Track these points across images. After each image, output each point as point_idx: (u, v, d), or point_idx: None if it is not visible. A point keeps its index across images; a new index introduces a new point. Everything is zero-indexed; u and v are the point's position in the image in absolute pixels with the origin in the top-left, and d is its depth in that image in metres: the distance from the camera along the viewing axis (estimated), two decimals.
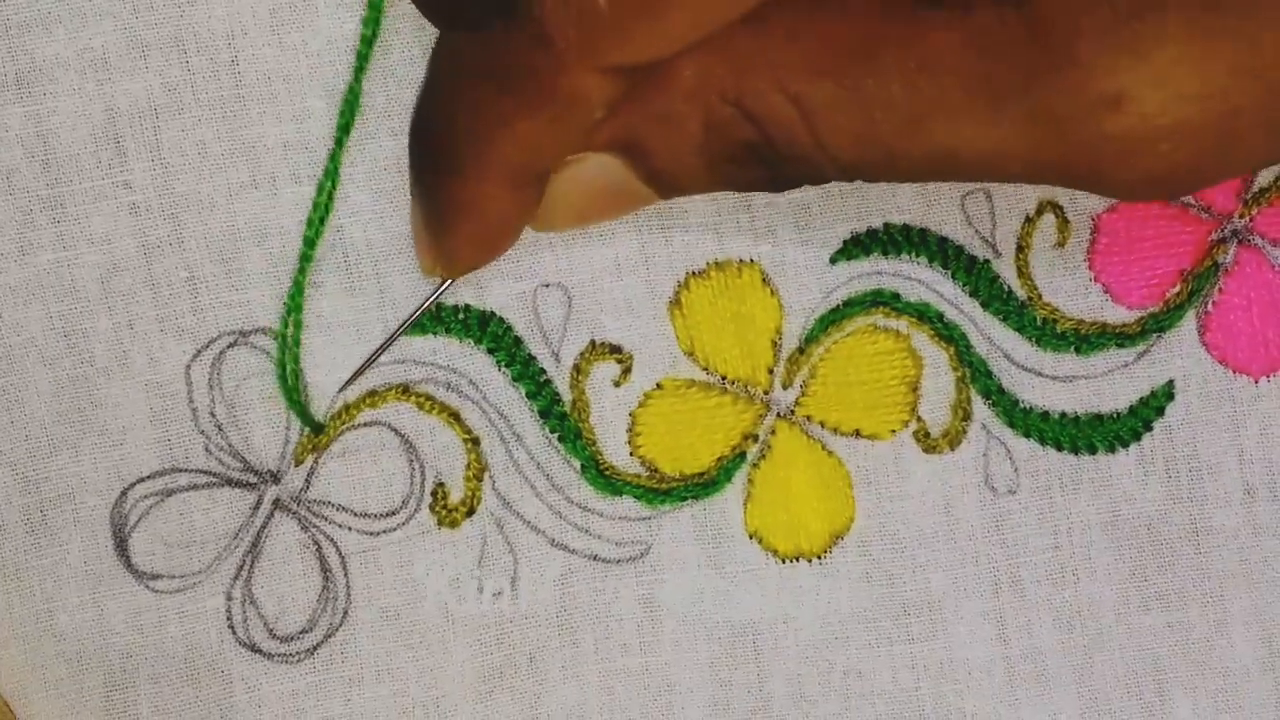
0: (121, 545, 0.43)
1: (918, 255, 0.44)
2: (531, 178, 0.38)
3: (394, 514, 0.44)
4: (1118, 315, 0.45)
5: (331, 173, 0.42)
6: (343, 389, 0.43)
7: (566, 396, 0.44)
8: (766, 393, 0.44)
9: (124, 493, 0.43)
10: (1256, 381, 0.45)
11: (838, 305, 0.44)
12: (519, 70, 0.35)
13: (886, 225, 0.44)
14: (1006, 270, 0.44)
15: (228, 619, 0.44)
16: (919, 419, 0.44)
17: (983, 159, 0.36)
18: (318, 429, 0.43)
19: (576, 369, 0.44)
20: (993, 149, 0.35)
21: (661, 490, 0.44)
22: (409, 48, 0.42)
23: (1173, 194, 0.39)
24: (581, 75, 0.35)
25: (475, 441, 0.44)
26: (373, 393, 0.43)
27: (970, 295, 0.44)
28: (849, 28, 0.35)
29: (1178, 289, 0.45)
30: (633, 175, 0.38)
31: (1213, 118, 0.34)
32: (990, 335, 0.44)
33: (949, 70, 0.35)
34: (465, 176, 0.37)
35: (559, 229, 0.41)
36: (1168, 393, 0.45)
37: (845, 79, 0.35)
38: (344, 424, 0.43)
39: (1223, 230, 0.45)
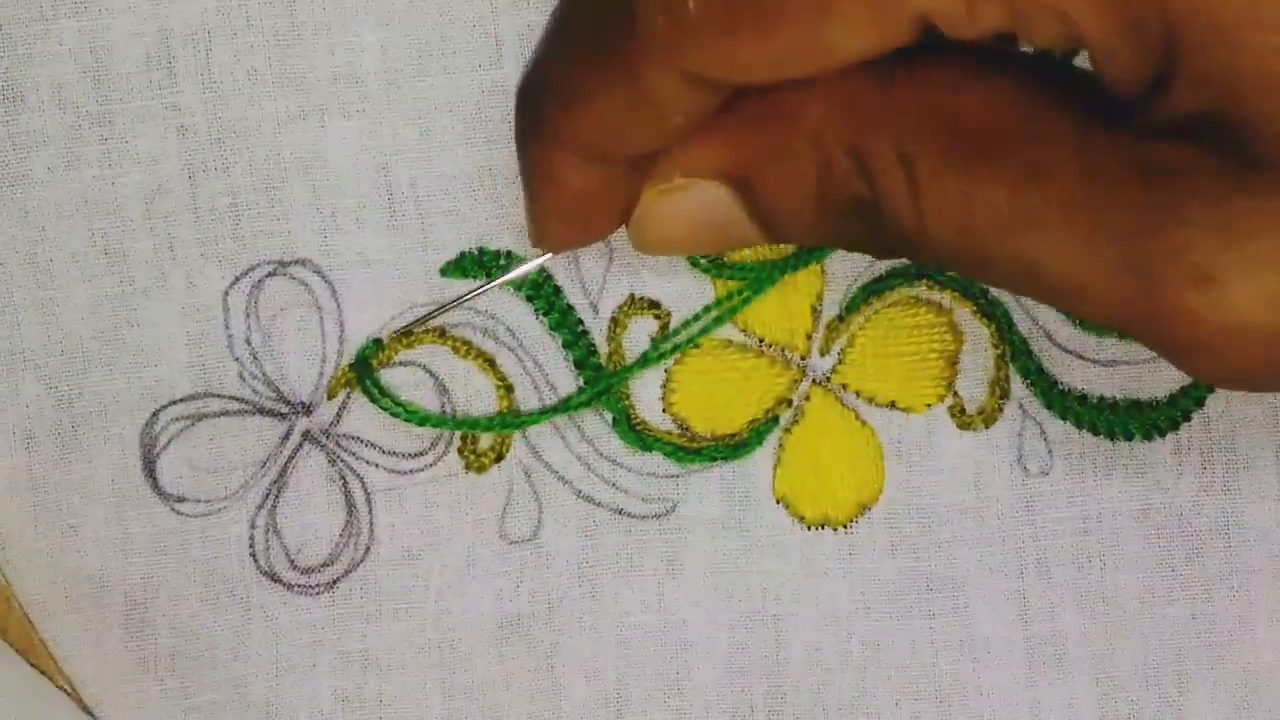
0: (150, 466, 0.43)
1: None
2: (605, 158, 0.37)
3: (422, 454, 0.44)
4: None
5: None
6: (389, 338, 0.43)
7: (603, 349, 0.44)
8: (804, 358, 0.44)
9: (155, 414, 0.43)
10: None
11: (881, 275, 0.44)
12: (607, 48, 0.35)
13: None
14: None
15: (250, 547, 0.44)
16: (955, 394, 0.44)
17: (1066, 288, 0.34)
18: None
19: (614, 321, 0.44)
20: (1077, 282, 0.34)
21: (692, 449, 0.44)
22: None
23: (1250, 389, 0.37)
24: (661, 73, 0.34)
25: (509, 388, 0.44)
26: (409, 333, 0.43)
27: None
28: (974, 114, 0.35)
29: None
30: (741, 211, 0.37)
31: None
32: (1034, 314, 0.44)
33: (1055, 187, 0.34)
34: (543, 141, 0.37)
35: (662, 253, 0.41)
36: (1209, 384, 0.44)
37: (956, 163, 0.34)
38: (379, 363, 0.43)
39: None
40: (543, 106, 0.37)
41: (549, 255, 0.42)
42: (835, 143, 0.36)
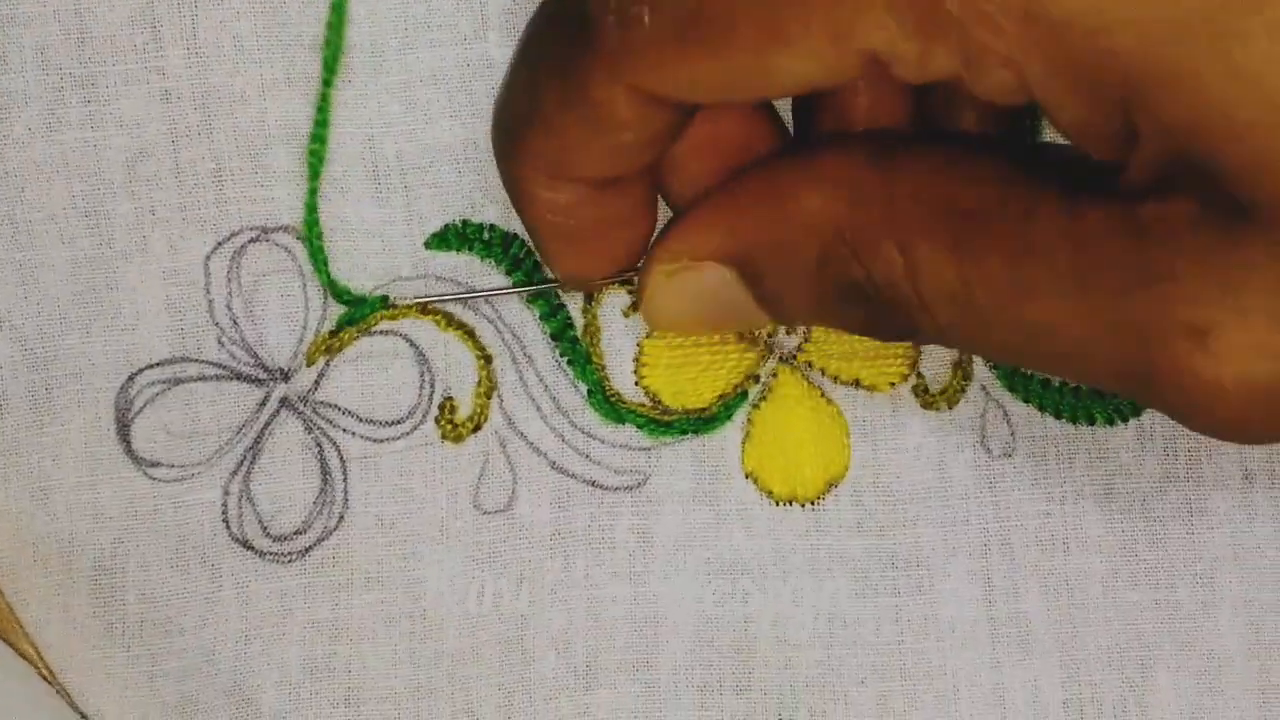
0: (124, 430, 0.43)
1: None
2: (569, 178, 0.37)
3: (399, 423, 0.44)
4: None
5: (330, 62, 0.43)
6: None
7: (579, 322, 0.44)
8: (770, 336, 0.44)
9: (131, 377, 0.43)
10: None
11: None
12: (562, 63, 0.35)
13: None
14: None
15: (223, 513, 0.44)
16: (919, 375, 0.45)
17: (1067, 355, 0.35)
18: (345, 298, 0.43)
19: (589, 295, 0.44)
20: (1077, 349, 0.34)
21: (663, 422, 0.44)
22: None
23: (1255, 443, 0.37)
24: (610, 87, 0.35)
25: (488, 359, 0.44)
26: (391, 305, 0.43)
27: None
28: (969, 196, 0.35)
29: None
30: (745, 294, 0.38)
31: None
32: None
33: (1048, 258, 0.34)
34: (509, 159, 0.38)
35: (675, 330, 0.43)
36: None
37: (953, 244, 0.35)
38: (359, 330, 0.44)
39: None
40: (507, 125, 0.37)
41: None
42: (834, 230, 0.36)
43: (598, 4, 0.34)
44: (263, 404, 0.43)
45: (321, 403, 0.44)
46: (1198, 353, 0.33)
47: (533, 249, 0.43)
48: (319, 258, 0.43)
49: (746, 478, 0.45)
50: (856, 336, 0.44)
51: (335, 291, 0.43)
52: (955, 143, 0.36)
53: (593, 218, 0.39)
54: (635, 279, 0.41)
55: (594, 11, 0.34)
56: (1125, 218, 0.33)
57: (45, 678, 0.43)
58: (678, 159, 0.39)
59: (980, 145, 0.35)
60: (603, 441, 0.44)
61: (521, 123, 0.37)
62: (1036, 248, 0.34)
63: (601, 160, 0.37)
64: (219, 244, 0.43)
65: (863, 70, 0.33)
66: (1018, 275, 0.34)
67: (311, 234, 0.43)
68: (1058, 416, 0.45)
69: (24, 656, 0.43)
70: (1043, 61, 0.32)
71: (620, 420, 0.44)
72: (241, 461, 0.44)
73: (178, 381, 0.43)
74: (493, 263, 0.44)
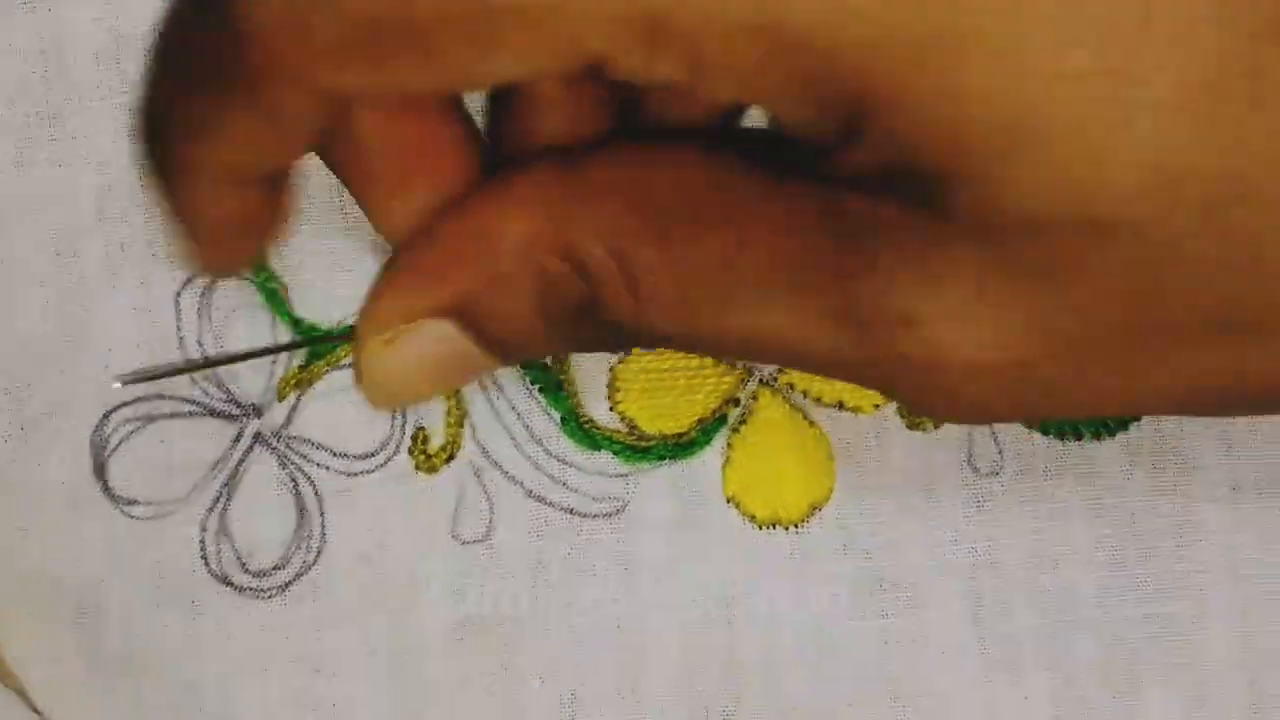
0: (100, 468, 0.43)
1: None
2: (238, 181, 0.34)
3: (372, 456, 0.44)
4: None
5: None
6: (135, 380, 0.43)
7: None
8: None
9: (106, 415, 0.43)
10: None
11: None
12: (223, 73, 0.32)
13: None
14: None
15: (201, 550, 0.44)
16: None
17: (791, 351, 0.34)
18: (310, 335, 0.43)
19: None
20: (799, 344, 0.33)
21: (640, 448, 0.44)
22: None
23: (985, 423, 0.36)
24: (290, 94, 0.32)
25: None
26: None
27: None
28: (667, 190, 0.34)
29: None
30: (470, 343, 0.36)
31: (1005, 367, 0.32)
32: None
33: (756, 250, 0.33)
34: (170, 176, 0.34)
35: (405, 402, 0.41)
36: None
37: (663, 245, 0.34)
38: (329, 364, 0.43)
39: None
40: (163, 141, 0.34)
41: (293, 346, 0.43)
42: (545, 252, 0.34)
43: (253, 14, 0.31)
44: (236, 440, 0.43)
45: (295, 438, 0.43)
46: (911, 340, 0.32)
47: None
48: (275, 299, 0.43)
49: (728, 502, 0.44)
50: None
51: (299, 330, 0.43)
52: (653, 139, 0.34)
53: (256, 217, 0.35)
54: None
55: (249, 23, 0.31)
56: (831, 207, 0.32)
57: (34, 711, 0.44)
58: (379, 200, 0.36)
59: (680, 138, 0.34)
60: (579, 469, 0.44)
61: (179, 138, 0.33)
62: (744, 241, 0.33)
63: (280, 156, 0.34)
64: (189, 280, 0.43)
65: (582, 69, 0.31)
66: (728, 271, 0.33)
67: (260, 275, 0.43)
68: (1045, 433, 0.44)
69: (12, 691, 0.43)
70: (771, 75, 0.31)
71: (595, 447, 0.44)
72: (217, 498, 0.43)
73: (152, 419, 0.43)
74: None
